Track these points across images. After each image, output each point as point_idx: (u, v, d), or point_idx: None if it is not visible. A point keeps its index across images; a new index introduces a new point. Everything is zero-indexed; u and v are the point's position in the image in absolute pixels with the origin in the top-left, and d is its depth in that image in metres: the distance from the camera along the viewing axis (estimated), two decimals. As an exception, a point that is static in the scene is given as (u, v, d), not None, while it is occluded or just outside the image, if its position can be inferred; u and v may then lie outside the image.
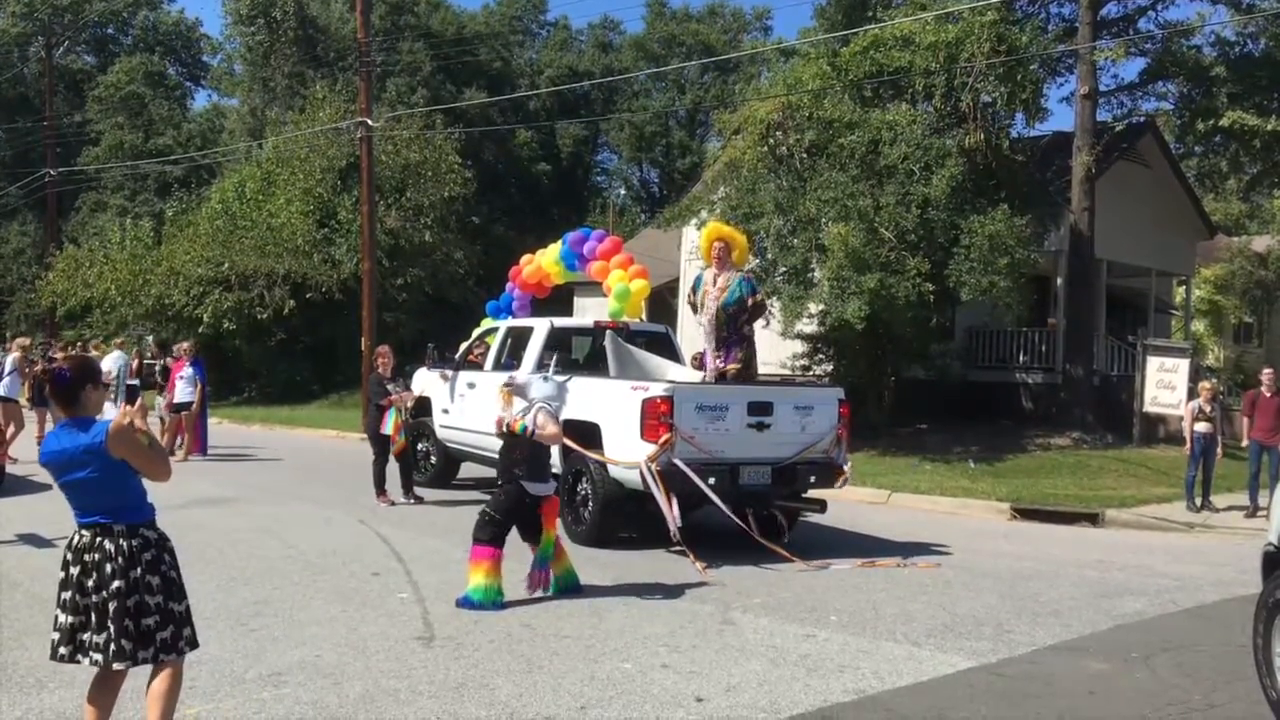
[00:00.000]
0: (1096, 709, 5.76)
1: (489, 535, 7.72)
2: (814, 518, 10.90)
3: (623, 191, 55.11)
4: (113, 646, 4.24)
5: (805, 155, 18.18)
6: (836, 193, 16.90)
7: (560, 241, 13.70)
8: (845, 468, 10.36)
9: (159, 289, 29.69)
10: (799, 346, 19.53)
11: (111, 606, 4.25)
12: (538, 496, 7.89)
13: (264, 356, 30.81)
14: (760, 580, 8.81)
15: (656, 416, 9.35)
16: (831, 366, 19.49)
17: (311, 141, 31.74)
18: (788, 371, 19.77)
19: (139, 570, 4.31)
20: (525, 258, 14.10)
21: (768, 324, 17.97)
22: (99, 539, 4.32)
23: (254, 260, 29.22)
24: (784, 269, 17.66)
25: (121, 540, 4.32)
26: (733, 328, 10.66)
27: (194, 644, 4.54)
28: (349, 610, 7.38)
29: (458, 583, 7.78)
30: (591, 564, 9.13)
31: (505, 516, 7.84)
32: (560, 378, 9.29)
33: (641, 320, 13.48)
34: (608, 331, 11.64)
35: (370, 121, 24.43)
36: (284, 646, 6.46)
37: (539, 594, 7.87)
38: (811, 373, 19.61)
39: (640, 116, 50.65)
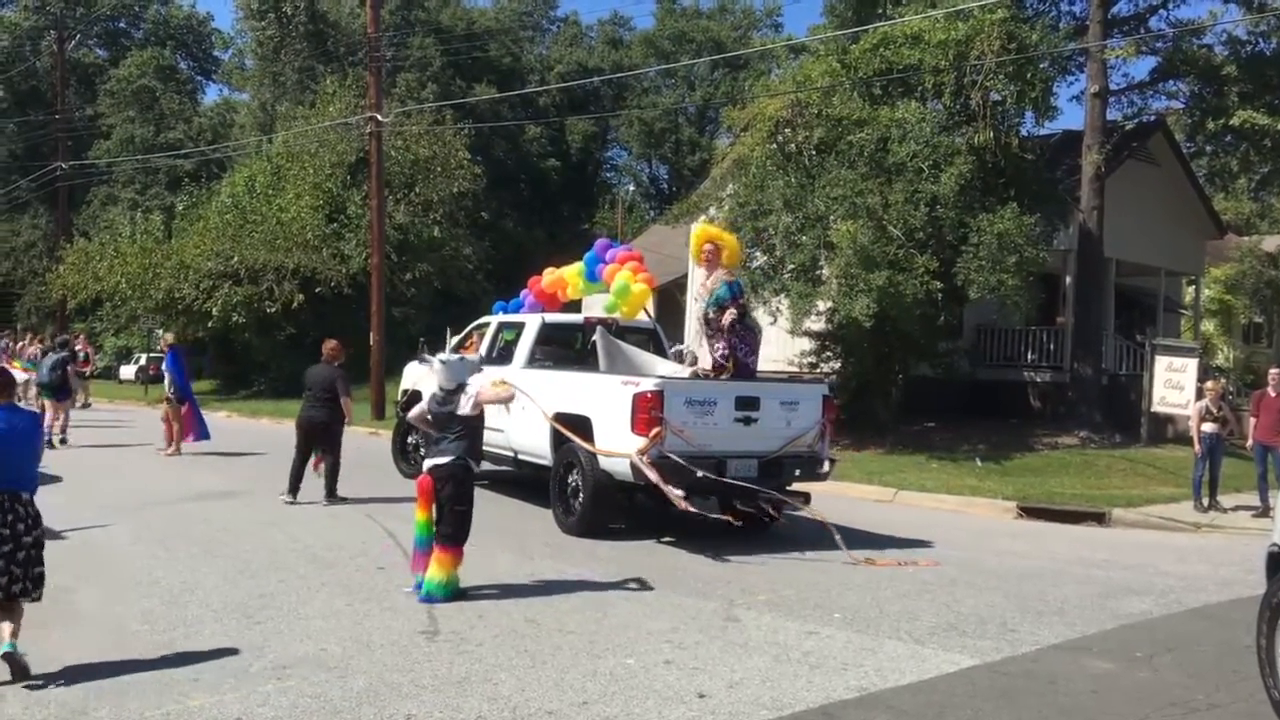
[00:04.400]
0: (1099, 708, 5.76)
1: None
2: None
3: (632, 188, 55.12)
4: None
5: (814, 152, 18.18)
6: (845, 190, 16.88)
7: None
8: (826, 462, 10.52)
9: (169, 282, 29.78)
10: (807, 344, 19.51)
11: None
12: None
13: (273, 350, 30.87)
14: (764, 576, 8.81)
15: (647, 410, 9.45)
16: (839, 364, 19.47)
17: (321, 136, 31.81)
18: (795, 369, 19.76)
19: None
20: (548, 270, 14.04)
21: (774, 320, 17.97)
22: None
23: (263, 254, 29.29)
24: (792, 266, 17.67)
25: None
26: (713, 328, 10.63)
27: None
28: (354, 604, 7.41)
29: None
30: (592, 559, 9.17)
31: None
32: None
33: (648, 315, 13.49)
34: (597, 327, 11.81)
35: (380, 117, 24.49)
36: (288, 640, 6.49)
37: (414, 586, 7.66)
38: (819, 370, 19.59)
39: (650, 113, 50.66)
